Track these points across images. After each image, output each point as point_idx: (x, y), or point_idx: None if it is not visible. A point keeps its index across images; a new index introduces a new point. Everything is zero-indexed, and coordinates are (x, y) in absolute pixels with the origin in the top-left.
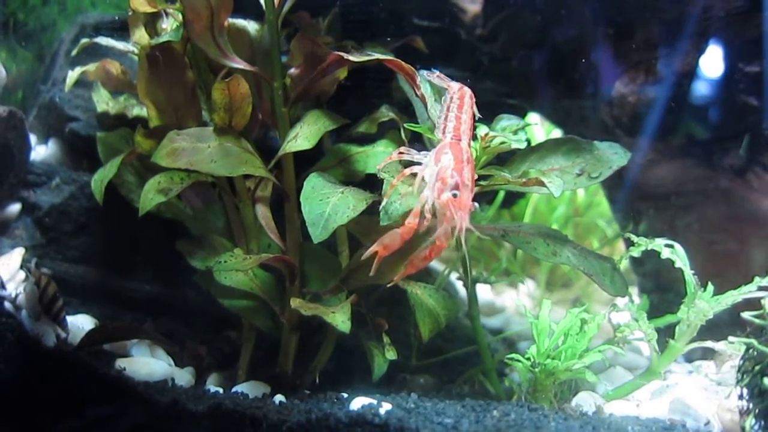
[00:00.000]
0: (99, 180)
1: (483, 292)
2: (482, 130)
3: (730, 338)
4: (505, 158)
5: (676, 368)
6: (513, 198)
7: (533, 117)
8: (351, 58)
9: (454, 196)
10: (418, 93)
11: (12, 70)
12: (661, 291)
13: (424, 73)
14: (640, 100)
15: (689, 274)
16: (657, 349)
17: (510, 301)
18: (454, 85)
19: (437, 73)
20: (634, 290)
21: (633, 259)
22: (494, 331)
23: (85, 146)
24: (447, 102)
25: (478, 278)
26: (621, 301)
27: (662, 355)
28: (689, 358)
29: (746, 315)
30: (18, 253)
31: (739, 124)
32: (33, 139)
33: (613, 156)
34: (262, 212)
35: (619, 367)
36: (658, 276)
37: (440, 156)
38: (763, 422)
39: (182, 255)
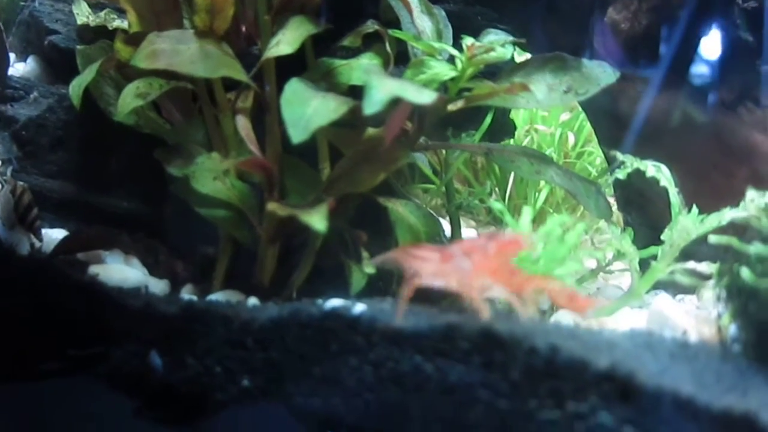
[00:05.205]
0: (77, 85)
1: (467, 232)
2: (468, 40)
3: (711, 238)
4: (490, 78)
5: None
6: (499, 136)
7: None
8: None
9: None
10: None
11: None
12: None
13: None
14: (632, 29)
15: (674, 194)
16: (638, 269)
17: None
18: None
19: None
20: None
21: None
22: None
23: (64, 60)
24: None
25: (461, 204)
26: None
27: (644, 277)
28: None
29: (730, 214)
30: None
31: (733, 58)
32: (12, 57)
33: (602, 74)
34: (243, 123)
35: (601, 297)
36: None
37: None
38: (740, 321)
39: (160, 172)
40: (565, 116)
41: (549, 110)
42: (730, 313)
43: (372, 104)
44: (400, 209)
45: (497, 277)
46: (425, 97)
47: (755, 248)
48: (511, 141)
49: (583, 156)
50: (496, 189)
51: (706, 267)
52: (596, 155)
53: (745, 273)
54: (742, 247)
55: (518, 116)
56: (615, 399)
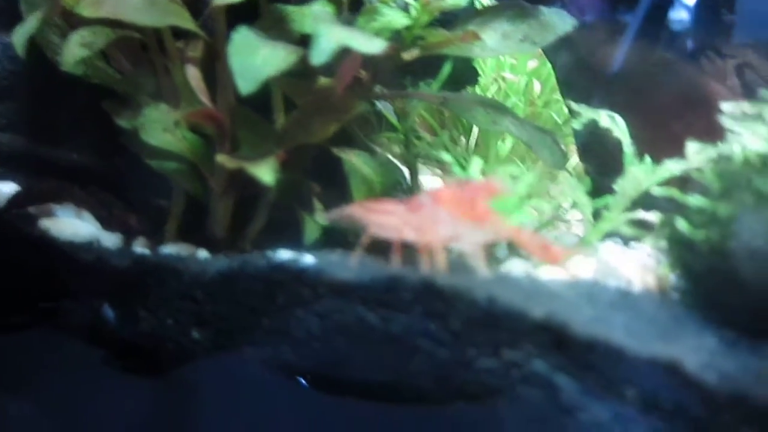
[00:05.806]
0: (21, 34)
1: (432, 181)
2: None
3: (655, 189)
4: (446, 26)
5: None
6: (461, 84)
7: None
8: None
9: None
10: None
11: None
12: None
13: None
14: None
15: (628, 144)
16: (591, 219)
17: None
18: None
19: None
20: None
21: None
22: None
23: (9, 7)
24: None
25: (419, 153)
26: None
27: (595, 226)
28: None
29: (675, 166)
30: None
31: (696, 6)
32: None
33: (559, 22)
34: (193, 73)
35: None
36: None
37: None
38: (677, 270)
39: (112, 124)
40: (532, 64)
41: (517, 58)
42: (670, 262)
43: (319, 53)
44: (353, 159)
45: (473, 223)
46: (374, 46)
47: (693, 200)
48: (477, 89)
49: (550, 104)
50: (462, 138)
51: (654, 216)
52: (562, 104)
53: (682, 224)
54: (683, 198)
55: (486, 64)
56: (549, 348)
